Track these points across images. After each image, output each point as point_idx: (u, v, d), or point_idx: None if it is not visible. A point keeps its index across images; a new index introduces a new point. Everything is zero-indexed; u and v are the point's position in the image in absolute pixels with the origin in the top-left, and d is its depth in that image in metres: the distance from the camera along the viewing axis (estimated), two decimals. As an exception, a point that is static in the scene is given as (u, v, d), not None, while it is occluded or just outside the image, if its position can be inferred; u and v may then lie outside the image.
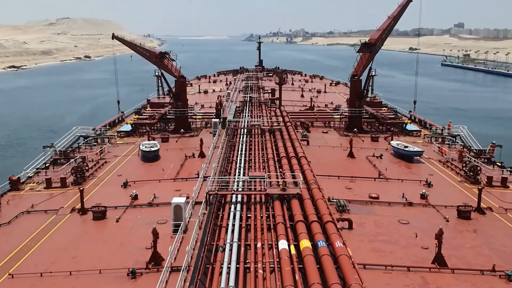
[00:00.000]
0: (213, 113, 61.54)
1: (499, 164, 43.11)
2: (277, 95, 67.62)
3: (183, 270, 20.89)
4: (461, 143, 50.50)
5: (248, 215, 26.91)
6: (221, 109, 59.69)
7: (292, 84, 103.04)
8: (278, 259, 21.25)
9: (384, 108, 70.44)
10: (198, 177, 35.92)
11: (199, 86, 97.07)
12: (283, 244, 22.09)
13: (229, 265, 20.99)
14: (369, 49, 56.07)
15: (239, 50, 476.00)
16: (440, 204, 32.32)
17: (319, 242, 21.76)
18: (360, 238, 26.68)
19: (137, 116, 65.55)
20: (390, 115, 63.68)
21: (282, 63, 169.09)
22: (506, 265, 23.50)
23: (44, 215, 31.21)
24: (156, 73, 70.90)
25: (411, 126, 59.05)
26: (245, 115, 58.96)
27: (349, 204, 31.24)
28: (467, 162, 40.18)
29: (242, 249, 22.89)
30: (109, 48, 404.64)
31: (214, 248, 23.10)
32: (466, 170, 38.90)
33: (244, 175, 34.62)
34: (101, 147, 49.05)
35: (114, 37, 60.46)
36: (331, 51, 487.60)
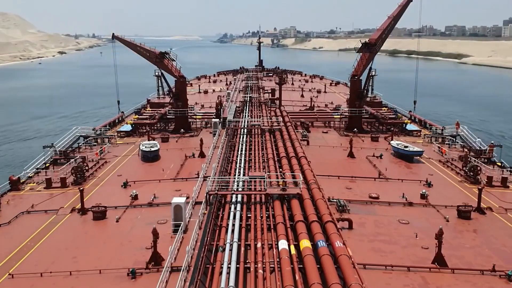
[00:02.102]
0: (213, 113, 61.55)
1: (499, 164, 43.13)
2: (277, 95, 67.63)
3: (183, 270, 20.89)
4: (462, 143, 50.51)
5: (248, 215, 26.91)
6: (221, 109, 59.69)
7: (292, 84, 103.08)
8: (278, 259, 21.25)
9: (384, 108, 70.45)
10: (198, 177, 35.92)
11: (199, 86, 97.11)
12: (283, 244, 22.09)
13: (229, 265, 20.99)
14: (369, 49, 56.13)
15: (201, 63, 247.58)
16: (440, 204, 32.31)
17: (319, 242, 21.76)
18: (360, 238, 26.67)
19: (137, 116, 65.57)
20: (390, 115, 63.73)
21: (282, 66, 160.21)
22: (506, 265, 23.50)
23: (44, 215, 31.21)
24: (156, 73, 70.92)
25: (411, 126, 59.09)
26: (245, 115, 58.98)
27: (349, 204, 31.24)
28: (467, 162, 40.16)
29: (242, 249, 22.90)
30: None
31: (214, 248, 23.11)
32: (466, 170, 38.91)
33: (244, 175, 34.61)
34: (101, 147, 49.06)
35: (114, 37, 60.65)
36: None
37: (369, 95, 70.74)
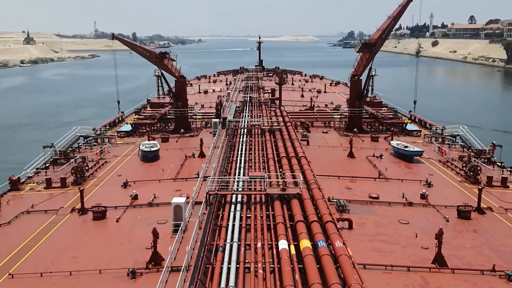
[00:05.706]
0: (213, 113, 61.55)
1: (499, 164, 43.12)
2: (277, 95, 67.60)
3: (183, 270, 20.89)
4: (461, 143, 50.48)
5: (248, 215, 26.93)
6: (221, 109, 59.68)
7: (292, 84, 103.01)
8: (278, 259, 21.27)
9: (384, 108, 70.44)
10: (198, 177, 35.92)
11: (199, 86, 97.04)
12: (283, 244, 22.10)
13: (229, 265, 21.02)
14: (369, 49, 56.09)
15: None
16: (440, 204, 32.31)
17: (319, 242, 21.76)
18: (360, 238, 26.68)
19: (137, 116, 65.53)
20: (390, 115, 63.73)
21: (284, 66, 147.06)
22: (506, 265, 23.50)
23: (44, 215, 31.20)
24: (156, 73, 70.87)
25: (411, 126, 59.08)
26: (245, 115, 58.95)
27: (349, 204, 31.24)
28: (467, 162, 40.16)
29: (242, 249, 22.92)
30: None
31: (214, 248, 23.11)
32: (466, 170, 38.90)
33: (244, 175, 34.61)
34: (101, 147, 49.05)
35: (114, 37, 60.63)
36: None
37: (369, 95, 70.72)
